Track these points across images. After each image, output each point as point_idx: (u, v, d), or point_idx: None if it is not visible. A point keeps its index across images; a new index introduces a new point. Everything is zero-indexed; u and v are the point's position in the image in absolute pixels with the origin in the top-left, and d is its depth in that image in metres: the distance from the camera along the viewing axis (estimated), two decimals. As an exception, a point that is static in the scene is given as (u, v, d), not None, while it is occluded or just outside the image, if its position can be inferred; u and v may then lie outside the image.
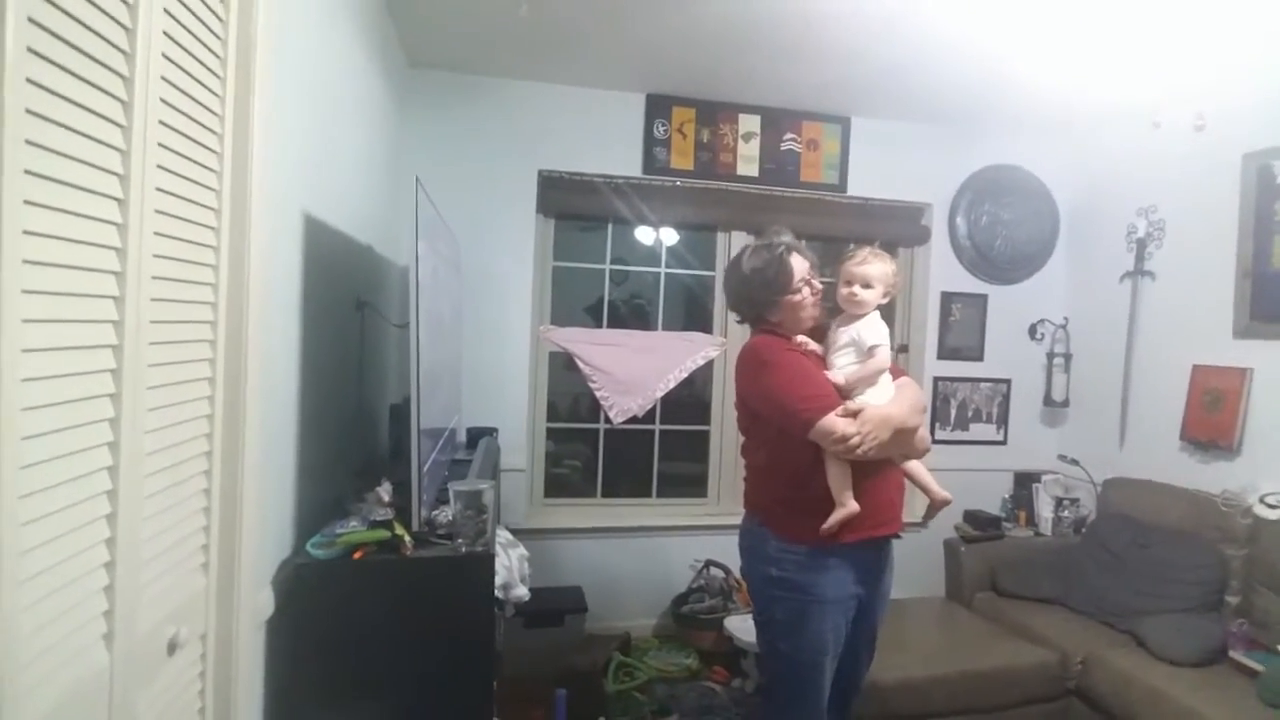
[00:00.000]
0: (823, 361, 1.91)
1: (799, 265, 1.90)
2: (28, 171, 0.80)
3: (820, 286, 1.95)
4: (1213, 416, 3.08)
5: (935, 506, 1.94)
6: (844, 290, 1.89)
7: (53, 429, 0.87)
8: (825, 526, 1.78)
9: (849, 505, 1.78)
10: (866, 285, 1.86)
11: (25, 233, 0.80)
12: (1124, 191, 3.60)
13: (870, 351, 1.85)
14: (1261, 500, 2.75)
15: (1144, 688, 2.37)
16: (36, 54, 0.81)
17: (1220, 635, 2.55)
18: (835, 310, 1.96)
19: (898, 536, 1.96)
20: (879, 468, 1.85)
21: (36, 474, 0.85)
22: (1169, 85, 2.98)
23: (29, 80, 0.79)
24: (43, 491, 0.86)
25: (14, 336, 0.79)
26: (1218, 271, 3.10)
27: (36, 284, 0.83)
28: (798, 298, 1.90)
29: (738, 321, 2.10)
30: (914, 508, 2.66)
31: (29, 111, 0.80)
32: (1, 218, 0.76)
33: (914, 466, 1.96)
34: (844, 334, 1.89)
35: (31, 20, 0.79)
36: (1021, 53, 2.81)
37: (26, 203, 0.80)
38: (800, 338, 1.94)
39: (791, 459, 1.85)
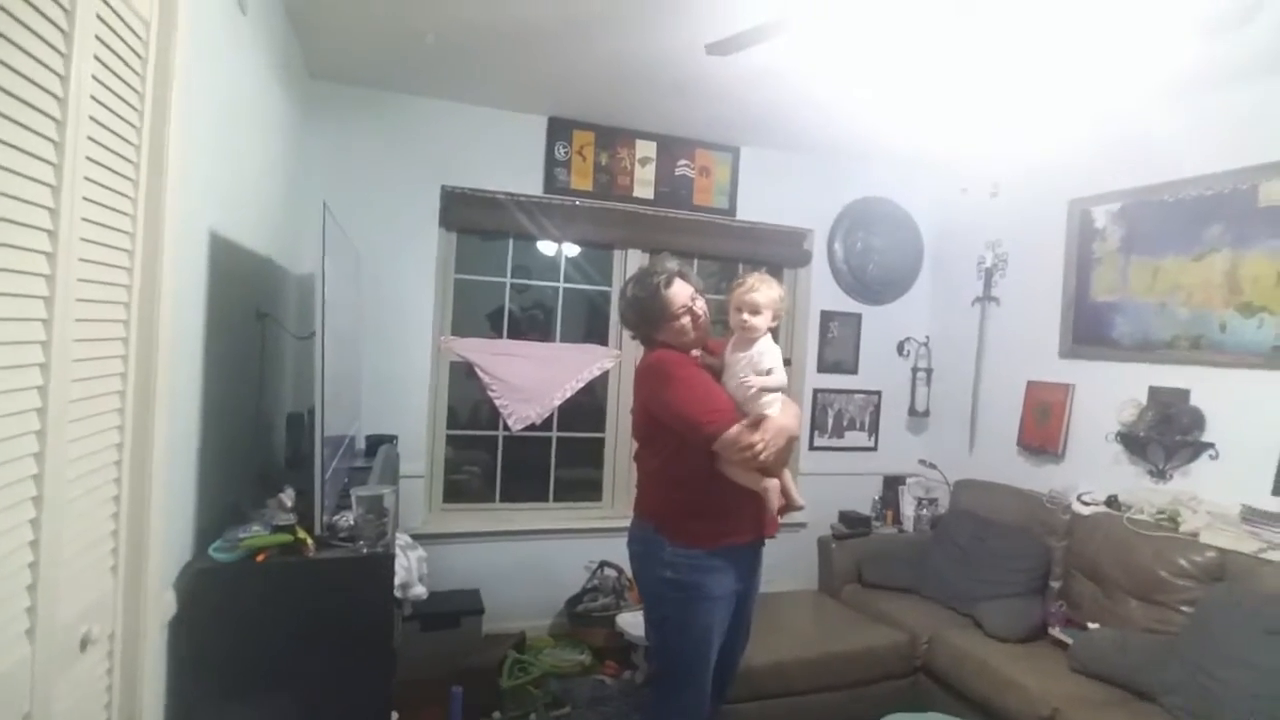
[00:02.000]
0: (718, 376, 2.08)
1: (680, 292, 2.06)
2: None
3: (703, 310, 2.11)
4: (1042, 426, 3.53)
5: (789, 508, 2.09)
6: (735, 317, 2.04)
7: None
8: (773, 511, 1.95)
9: (770, 484, 1.95)
10: (755, 311, 2.02)
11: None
12: (975, 225, 4.04)
13: (768, 373, 2.00)
14: (1079, 499, 3.19)
15: (976, 661, 2.72)
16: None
17: (1041, 615, 2.95)
18: (727, 327, 2.12)
19: (773, 537, 2.19)
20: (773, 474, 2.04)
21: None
22: (998, 145, 3.43)
23: None
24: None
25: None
26: (1048, 300, 3.56)
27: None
28: (678, 323, 2.07)
29: (631, 338, 2.25)
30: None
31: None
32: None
33: (782, 474, 2.19)
34: (740, 359, 2.03)
35: None
36: (881, 99, 3.16)
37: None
38: (695, 352, 2.12)
39: (689, 467, 2.02)
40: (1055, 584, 3.13)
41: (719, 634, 2.11)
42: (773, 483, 1.98)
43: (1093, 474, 3.27)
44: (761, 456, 1.93)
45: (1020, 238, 3.79)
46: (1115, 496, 3.09)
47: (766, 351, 2.04)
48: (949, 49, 2.53)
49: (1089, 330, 3.38)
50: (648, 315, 2.08)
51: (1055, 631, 2.86)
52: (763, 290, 2.02)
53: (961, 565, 3.31)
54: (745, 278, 2.09)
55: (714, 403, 1.99)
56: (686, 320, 2.07)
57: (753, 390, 1.98)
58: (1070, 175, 3.46)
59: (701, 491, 2.03)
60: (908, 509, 4.11)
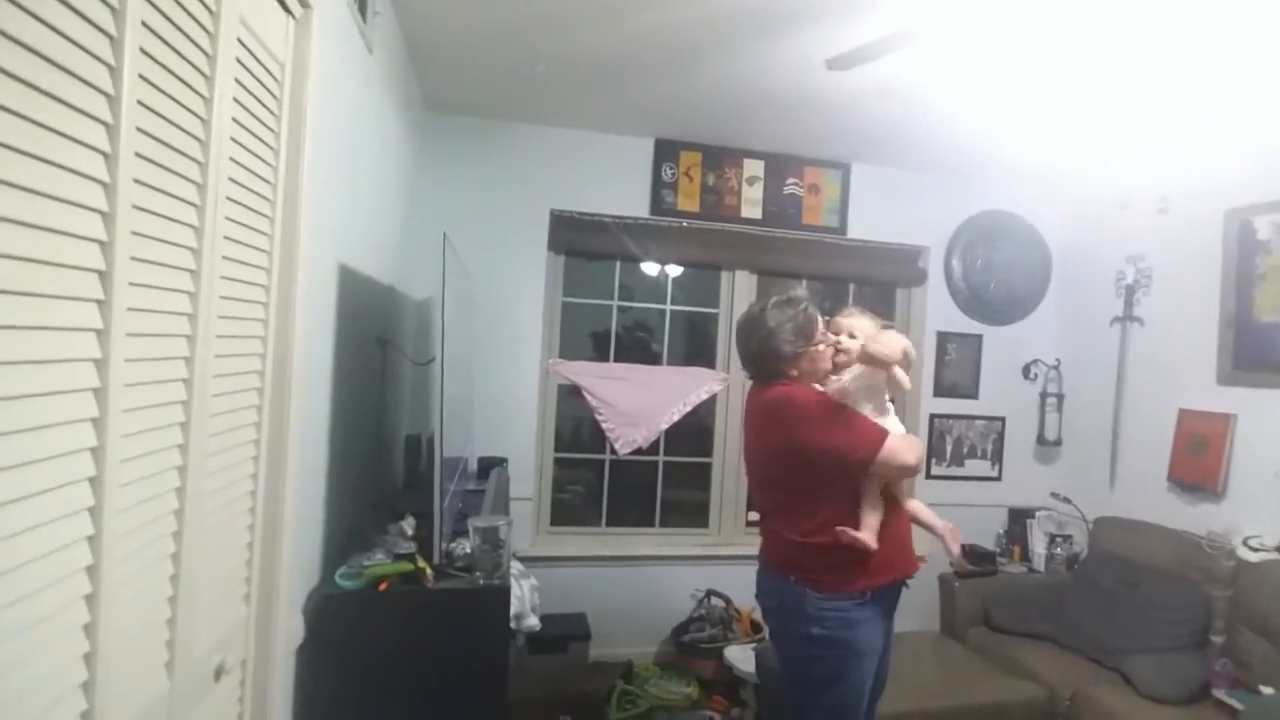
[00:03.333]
0: None
1: (819, 320, 2.01)
2: (133, 258, 0.93)
3: (835, 337, 2.01)
4: (1198, 459, 3.19)
5: (949, 538, 2.01)
6: (832, 339, 2.00)
7: (137, 478, 0.99)
8: (843, 529, 1.83)
9: (871, 539, 1.86)
10: (851, 335, 1.98)
11: (129, 309, 0.93)
12: (1113, 239, 3.73)
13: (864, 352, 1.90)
14: (1244, 543, 2.85)
15: (1129, 725, 2.46)
16: (143, 158, 0.94)
17: (1203, 674, 2.63)
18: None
19: (913, 573, 2.04)
20: (897, 511, 1.95)
21: (121, 520, 0.95)
22: (1141, 157, 3.14)
23: (136, 180, 0.92)
24: (126, 535, 0.97)
25: (117, 400, 0.91)
26: (1202, 320, 3.23)
27: (129, 352, 0.95)
28: (822, 348, 1.98)
29: (749, 378, 2.11)
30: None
31: (135, 207, 0.93)
32: (114, 301, 0.88)
33: (916, 507, 2.05)
34: (848, 381, 1.94)
35: (140, 130, 0.92)
36: (1010, 114, 2.96)
37: (131, 284, 0.93)
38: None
39: (829, 508, 1.89)
40: (1217, 639, 2.80)
41: (870, 689, 1.99)
42: (872, 540, 1.86)
43: (1259, 515, 2.91)
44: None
45: (1167, 252, 3.47)
46: (1290, 542, 2.74)
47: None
48: (1083, 56, 2.35)
49: (1253, 354, 3.04)
50: (793, 342, 1.94)
51: (1220, 694, 2.55)
52: (860, 318, 2.03)
53: (1106, 613, 3.02)
54: (843, 308, 2.10)
55: (862, 423, 1.89)
56: (827, 348, 1.99)
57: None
58: (1227, 183, 3.14)
59: (835, 528, 1.90)
60: (1037, 545, 3.81)
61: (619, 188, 3.65)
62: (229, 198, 1.22)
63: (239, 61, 1.23)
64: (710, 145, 3.73)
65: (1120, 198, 3.19)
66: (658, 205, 3.69)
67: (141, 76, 0.92)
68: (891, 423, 1.97)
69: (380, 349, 2.48)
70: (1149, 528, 3.24)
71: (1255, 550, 2.79)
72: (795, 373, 1.98)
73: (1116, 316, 3.68)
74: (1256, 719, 2.34)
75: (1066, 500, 3.83)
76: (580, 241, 3.67)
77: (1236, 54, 2.32)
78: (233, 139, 1.22)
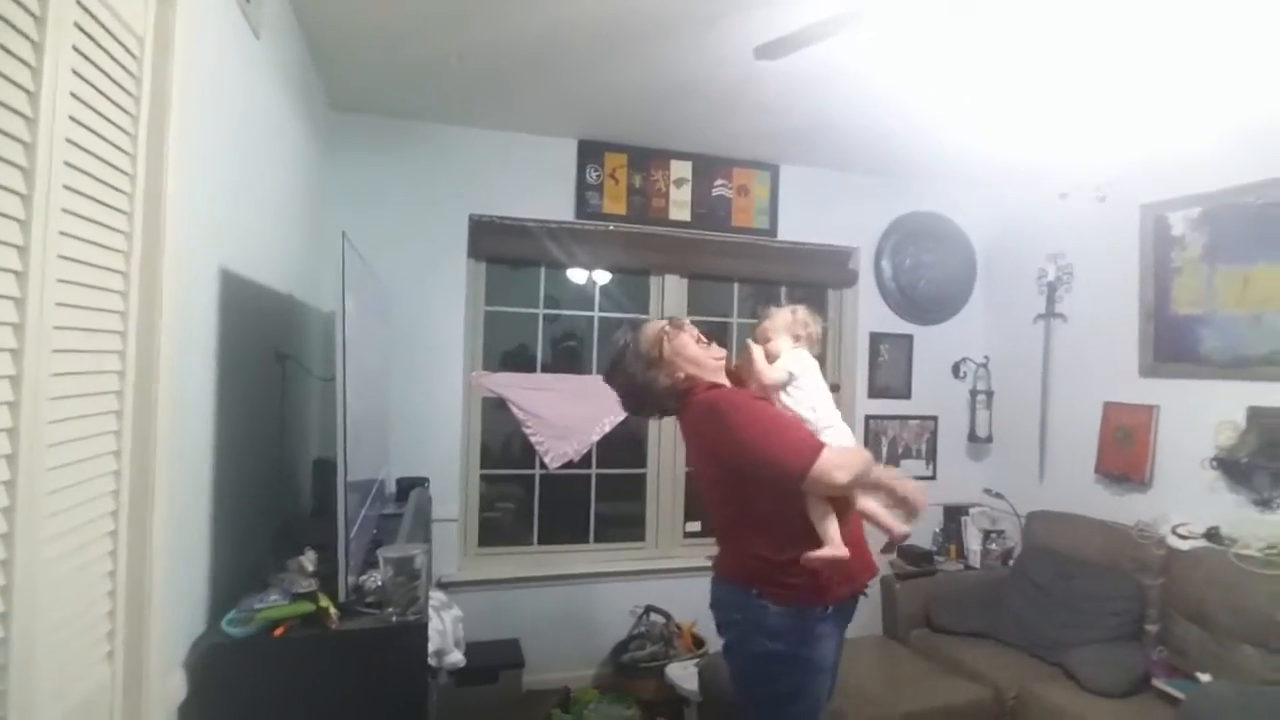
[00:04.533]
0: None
1: (649, 329, 1.93)
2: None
3: (688, 326, 1.94)
4: (1124, 451, 3.24)
5: (894, 541, 1.90)
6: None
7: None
8: (809, 558, 1.71)
9: (839, 548, 1.73)
10: (766, 339, 1.94)
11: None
12: (1034, 238, 3.79)
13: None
14: (1173, 531, 2.89)
15: (1075, 721, 2.43)
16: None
17: (1143, 664, 2.65)
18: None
19: (867, 588, 1.95)
20: (846, 516, 1.81)
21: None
22: (1071, 151, 3.17)
23: None
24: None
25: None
26: (1123, 314, 3.29)
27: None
28: (670, 345, 1.88)
29: (658, 417, 2.09)
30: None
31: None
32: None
33: (869, 505, 1.95)
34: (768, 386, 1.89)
35: None
36: (939, 112, 2.95)
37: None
38: (722, 377, 1.92)
39: (781, 514, 1.77)
40: (1152, 628, 2.83)
41: (826, 701, 1.89)
42: (837, 553, 1.74)
43: (1186, 503, 2.97)
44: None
45: (1086, 249, 3.54)
46: (1216, 529, 2.79)
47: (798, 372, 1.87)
48: (1009, 47, 2.33)
49: (1172, 346, 3.10)
50: (645, 374, 1.89)
51: (1160, 684, 2.55)
52: (768, 320, 1.97)
53: (1044, 607, 3.02)
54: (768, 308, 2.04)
55: (796, 433, 1.76)
56: (680, 340, 1.90)
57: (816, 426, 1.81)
58: (1140, 179, 3.21)
59: (803, 544, 1.75)
60: (973, 542, 3.83)
61: (542, 191, 3.50)
62: (67, 186, 1.03)
63: (79, 27, 1.04)
64: (636, 146, 3.62)
65: (1047, 191, 3.20)
66: (583, 209, 3.56)
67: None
68: (841, 430, 1.86)
69: (280, 364, 2.26)
70: (1080, 520, 3.27)
71: (1184, 538, 2.83)
72: (680, 375, 1.88)
73: (1040, 314, 3.74)
74: (1198, 706, 2.33)
75: (999, 496, 3.86)
76: (502, 247, 3.50)
77: (1152, 50, 2.34)
78: (72, 118, 1.03)
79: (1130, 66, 2.45)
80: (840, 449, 1.77)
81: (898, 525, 1.88)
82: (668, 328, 1.92)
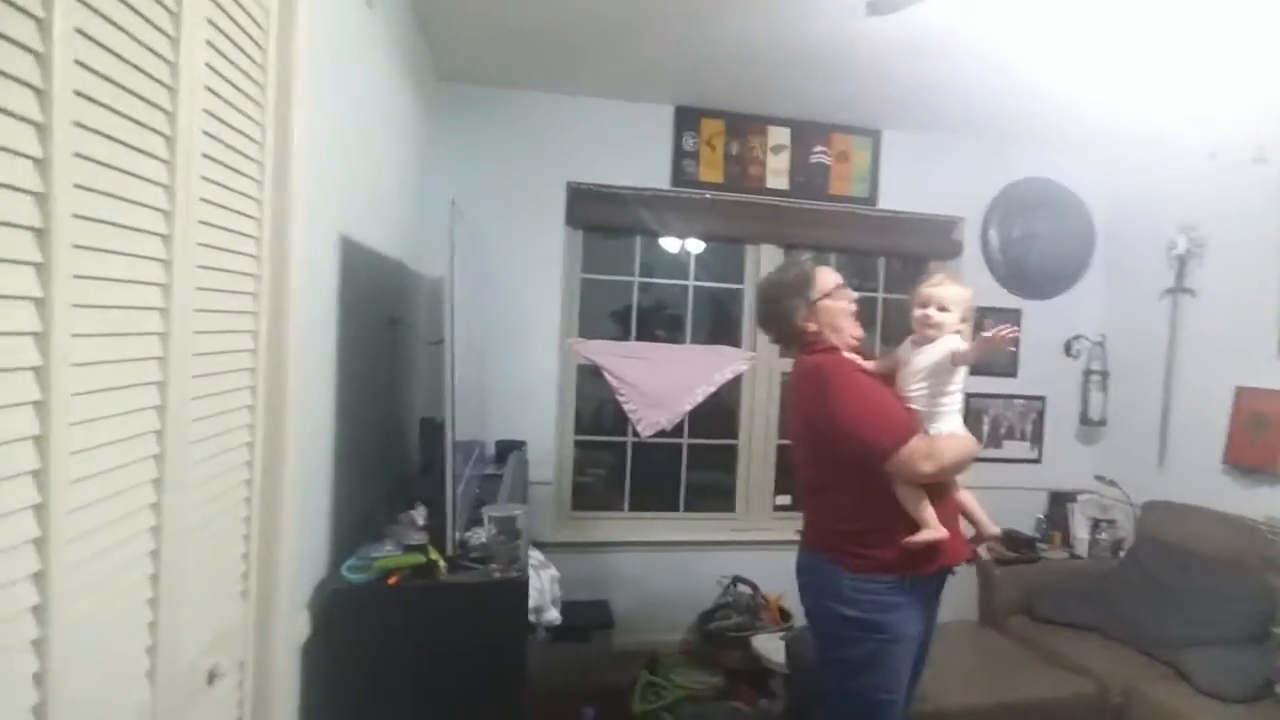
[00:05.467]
0: (886, 381, 1.86)
1: (829, 273, 1.94)
2: (76, 215, 0.80)
3: (854, 297, 1.94)
4: (1258, 439, 3.00)
5: (980, 539, 1.90)
6: (919, 312, 1.81)
7: (100, 470, 0.87)
8: (910, 541, 1.73)
9: (937, 529, 1.74)
10: (943, 308, 1.79)
11: (74, 276, 0.80)
12: (1163, 207, 3.51)
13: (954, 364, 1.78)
14: (1309, 528, 2.67)
15: (1188, 723, 2.31)
16: (84, 96, 0.80)
17: (1266, 669, 2.47)
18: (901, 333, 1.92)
19: (958, 565, 1.91)
20: (944, 495, 1.81)
21: (82, 517, 0.84)
22: (1216, 111, 2.90)
23: (76, 123, 0.79)
24: (89, 533, 0.85)
25: (63, 380, 0.79)
26: (1262, 289, 3.02)
27: (83, 327, 0.83)
28: (833, 303, 1.89)
29: (772, 342, 2.09)
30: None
31: (77, 154, 0.79)
32: (53, 265, 0.76)
33: (967, 499, 1.92)
34: (919, 357, 1.80)
35: (78, 63, 0.79)
36: (1056, 71, 2.76)
37: (75, 246, 0.80)
38: (854, 355, 1.90)
39: (872, 484, 1.78)
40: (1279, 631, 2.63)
41: (907, 679, 1.87)
42: (936, 534, 1.72)
43: (1326, 499, 2.73)
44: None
45: (1224, 219, 3.24)
46: (1361, 528, 2.56)
47: (947, 353, 1.77)
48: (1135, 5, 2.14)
49: (1320, 326, 2.83)
50: (795, 294, 1.91)
51: (1287, 690, 2.39)
52: (953, 287, 1.81)
53: (1158, 603, 2.85)
54: (933, 274, 1.88)
55: (888, 416, 1.75)
56: (842, 300, 1.89)
57: (931, 407, 1.76)
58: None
59: (881, 515, 1.77)
60: (1080, 531, 3.64)
61: (638, 158, 3.49)
62: (206, 154, 1.09)
63: (214, 1, 1.10)
64: (733, 112, 3.55)
65: (1179, 155, 2.92)
66: (679, 176, 3.53)
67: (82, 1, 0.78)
68: (953, 417, 1.80)
69: (390, 328, 2.36)
70: (1202, 512, 3.06)
71: (1323, 536, 2.61)
72: (812, 327, 1.91)
73: (1168, 289, 3.47)
74: (1329, 718, 2.17)
75: (1112, 483, 3.65)
76: (599, 215, 3.53)
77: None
78: (208, 88, 1.09)
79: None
80: (936, 438, 1.74)
81: (989, 525, 1.88)
82: (840, 286, 1.94)
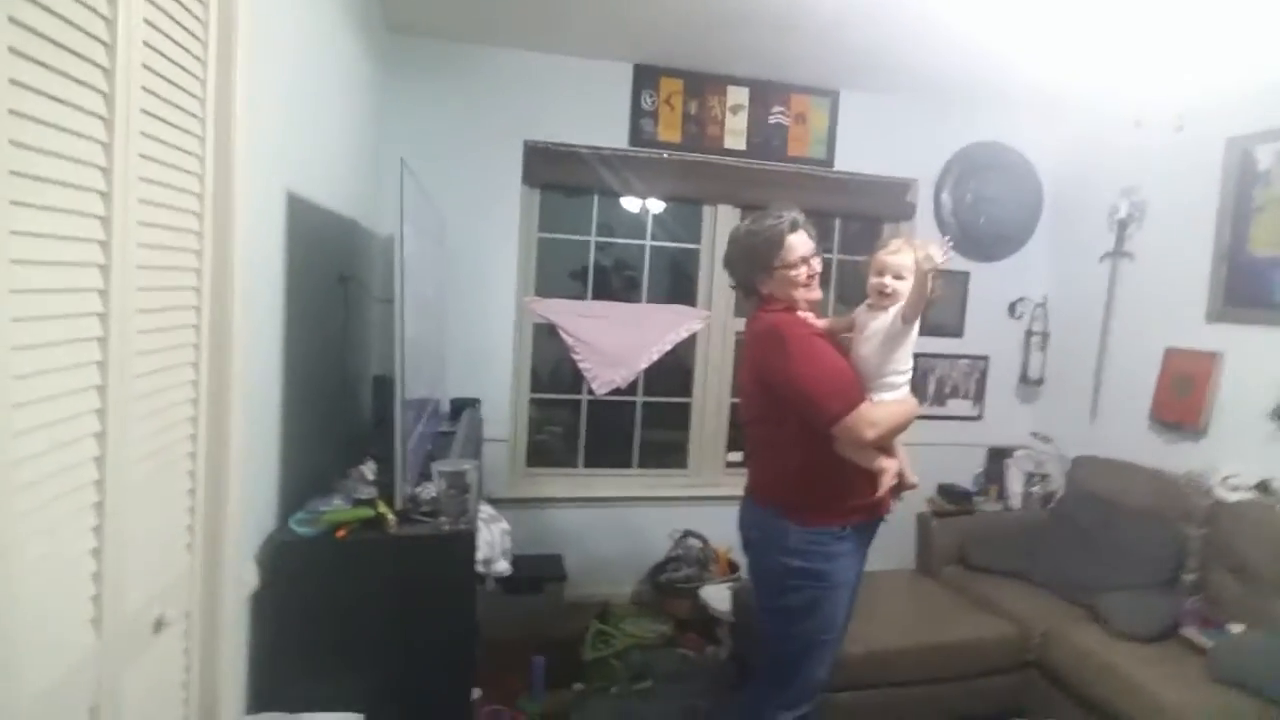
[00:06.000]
0: (838, 343, 1.92)
1: (799, 243, 1.89)
2: (13, 172, 0.81)
3: (818, 269, 1.93)
4: (1182, 399, 3.16)
5: (901, 488, 1.96)
6: (874, 280, 1.85)
7: (41, 424, 0.89)
8: (880, 493, 1.82)
9: (887, 465, 1.82)
10: (898, 276, 1.81)
11: (12, 233, 0.81)
12: (1108, 171, 3.61)
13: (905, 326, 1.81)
14: (1223, 482, 2.84)
15: (1099, 662, 2.47)
16: (19, 54, 0.80)
17: (1174, 612, 2.64)
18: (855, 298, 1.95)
19: (888, 514, 2.02)
20: (885, 451, 1.88)
21: (26, 469, 0.86)
22: (1151, 78, 2.98)
23: (12, 81, 0.79)
24: (32, 485, 0.88)
25: (3, 335, 0.80)
26: (1195, 254, 3.14)
27: (24, 282, 0.84)
28: (791, 273, 1.88)
29: (730, 287, 2.10)
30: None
31: (12, 112, 0.80)
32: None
33: (898, 450, 2.00)
34: (874, 323, 1.85)
35: (13, 20, 0.79)
36: (1010, 35, 2.81)
37: (13, 203, 0.81)
38: (809, 315, 1.94)
39: (814, 443, 1.85)
40: (1190, 577, 2.81)
41: (843, 620, 2.00)
42: (890, 463, 1.82)
43: (1240, 455, 2.90)
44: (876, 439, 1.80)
45: (1163, 183, 3.35)
46: (1268, 481, 2.73)
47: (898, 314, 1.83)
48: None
49: (1244, 291, 2.97)
50: (760, 257, 1.90)
51: (1190, 632, 2.56)
52: (909, 253, 1.82)
53: (1081, 551, 3.02)
54: (890, 239, 1.90)
55: (839, 381, 1.81)
56: (801, 272, 1.89)
57: (883, 373, 1.83)
58: (1227, 111, 3.00)
59: (827, 469, 1.86)
60: (1014, 484, 3.81)
61: (596, 117, 3.47)
62: (144, 110, 1.09)
63: (149, -44, 1.08)
64: (692, 71, 3.54)
65: (1131, 117, 2.99)
66: (637, 136, 3.53)
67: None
68: (903, 387, 1.88)
69: (342, 285, 2.36)
70: (1128, 467, 3.23)
71: (1234, 489, 2.79)
72: (765, 291, 1.94)
73: (1107, 252, 3.60)
74: (1225, 655, 2.35)
75: (1046, 439, 3.82)
76: (556, 174, 3.51)
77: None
78: (146, 43, 1.08)
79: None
80: (879, 405, 1.81)
81: (911, 475, 1.95)
82: (805, 258, 1.89)
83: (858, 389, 1.81)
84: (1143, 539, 2.90)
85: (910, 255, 1.82)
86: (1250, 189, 2.96)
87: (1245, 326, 2.96)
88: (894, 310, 1.81)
